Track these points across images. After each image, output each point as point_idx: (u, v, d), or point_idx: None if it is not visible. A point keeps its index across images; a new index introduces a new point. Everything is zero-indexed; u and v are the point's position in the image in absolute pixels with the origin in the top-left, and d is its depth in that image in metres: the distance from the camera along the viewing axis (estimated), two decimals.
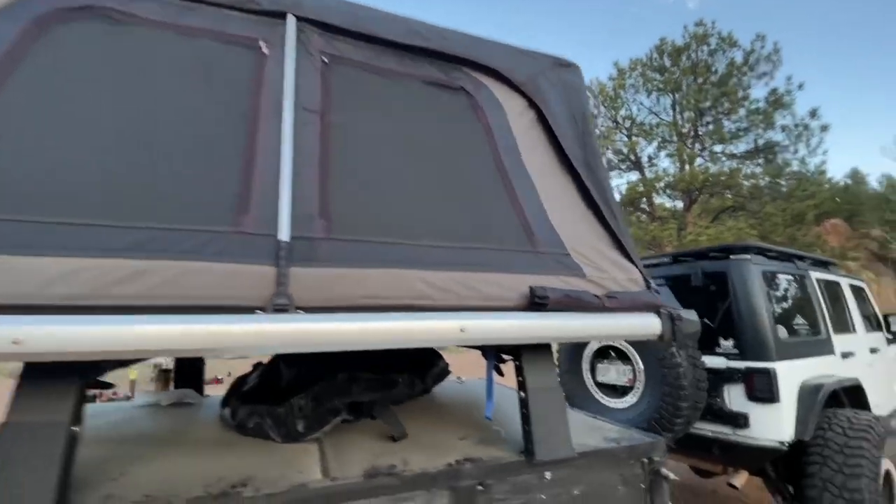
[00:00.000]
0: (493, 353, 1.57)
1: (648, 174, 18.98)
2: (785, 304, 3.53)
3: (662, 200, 19.91)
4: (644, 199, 18.94)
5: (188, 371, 2.36)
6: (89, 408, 1.37)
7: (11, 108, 1.01)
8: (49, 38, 1.10)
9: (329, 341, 1.03)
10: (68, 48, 1.11)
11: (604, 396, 3.58)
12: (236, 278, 1.01)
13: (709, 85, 16.75)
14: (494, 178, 1.48)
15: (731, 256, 3.42)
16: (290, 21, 1.39)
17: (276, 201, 1.12)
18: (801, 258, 3.95)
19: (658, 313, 1.41)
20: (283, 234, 1.08)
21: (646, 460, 1.44)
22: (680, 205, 18.62)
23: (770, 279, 3.46)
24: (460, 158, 1.48)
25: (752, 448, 3.03)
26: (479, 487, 1.23)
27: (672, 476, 1.43)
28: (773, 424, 3.00)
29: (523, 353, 1.37)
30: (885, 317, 4.78)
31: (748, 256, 3.37)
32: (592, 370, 3.72)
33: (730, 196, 16.78)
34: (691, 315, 1.47)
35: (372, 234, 1.21)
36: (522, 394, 1.36)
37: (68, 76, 1.09)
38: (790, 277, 3.69)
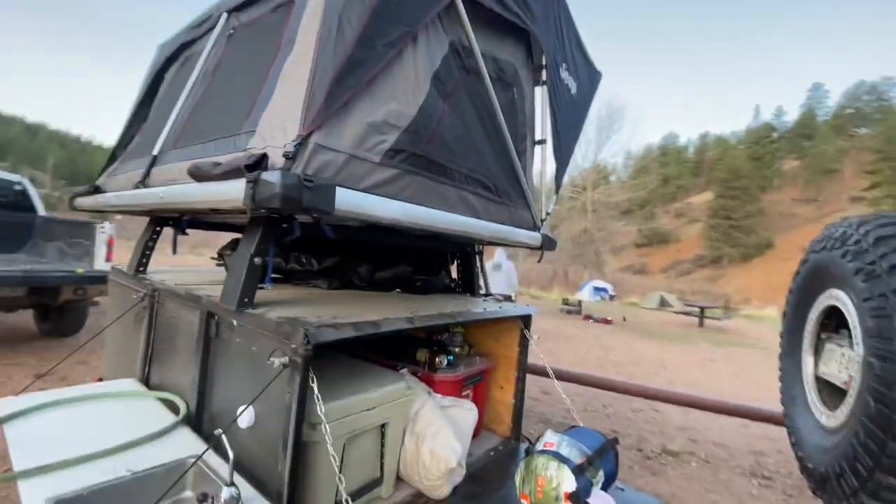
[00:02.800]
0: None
1: None
2: None
3: None
4: None
5: None
6: None
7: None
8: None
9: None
10: None
11: (818, 402, 1.82)
12: None
13: None
14: (256, 79, 1.71)
15: None
16: (223, 17, 2.23)
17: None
18: None
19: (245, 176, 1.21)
20: (156, 149, 2.05)
21: (287, 342, 1.32)
22: None
23: None
24: (251, 70, 1.82)
25: None
26: (214, 316, 1.71)
27: (281, 362, 1.24)
28: None
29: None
30: None
31: None
32: (816, 351, 1.90)
33: None
34: (286, 178, 1.10)
35: (176, 143, 1.95)
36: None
37: None
38: None
